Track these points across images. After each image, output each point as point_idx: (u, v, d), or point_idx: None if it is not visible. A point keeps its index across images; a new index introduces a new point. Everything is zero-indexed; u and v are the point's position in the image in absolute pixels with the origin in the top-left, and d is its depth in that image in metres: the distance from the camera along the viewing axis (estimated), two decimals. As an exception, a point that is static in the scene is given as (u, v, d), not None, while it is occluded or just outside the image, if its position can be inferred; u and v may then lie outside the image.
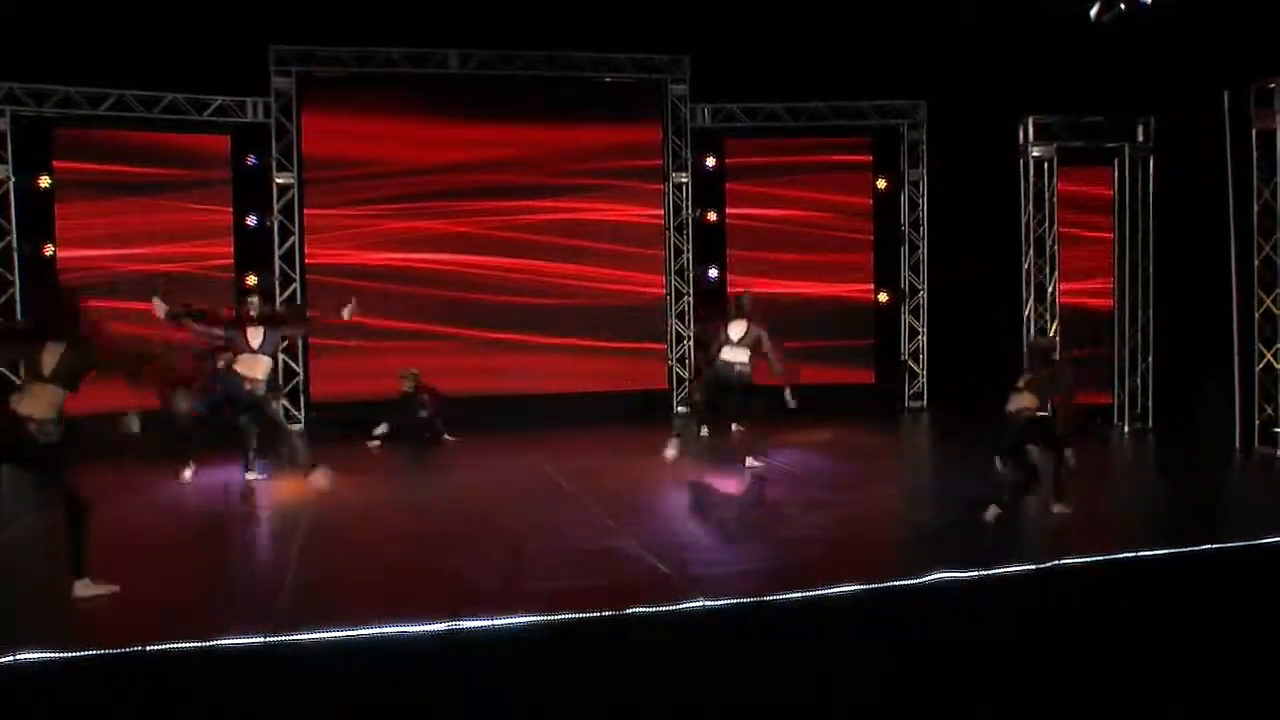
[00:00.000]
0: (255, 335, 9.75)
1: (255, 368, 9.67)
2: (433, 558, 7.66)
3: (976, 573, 6.79)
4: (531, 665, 5.67)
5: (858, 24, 14.36)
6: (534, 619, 5.88)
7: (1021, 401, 8.39)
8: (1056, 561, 7.05)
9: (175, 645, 5.56)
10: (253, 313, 9.83)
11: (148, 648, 5.53)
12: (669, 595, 6.34)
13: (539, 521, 8.60)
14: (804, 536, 8.04)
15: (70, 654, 5.48)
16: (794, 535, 8.10)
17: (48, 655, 5.44)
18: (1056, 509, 8.42)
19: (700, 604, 6.19)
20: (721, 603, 6.24)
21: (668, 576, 6.84)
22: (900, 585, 6.62)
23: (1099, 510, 8.91)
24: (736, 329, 10.60)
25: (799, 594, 6.35)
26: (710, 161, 15.70)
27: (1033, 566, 6.99)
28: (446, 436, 13.20)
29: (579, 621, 5.92)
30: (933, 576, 6.68)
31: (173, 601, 6.56)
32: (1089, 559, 7.15)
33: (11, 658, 5.40)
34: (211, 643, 5.58)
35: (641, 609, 6.07)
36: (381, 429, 12.95)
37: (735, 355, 10.55)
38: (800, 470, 11.07)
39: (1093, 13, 12.21)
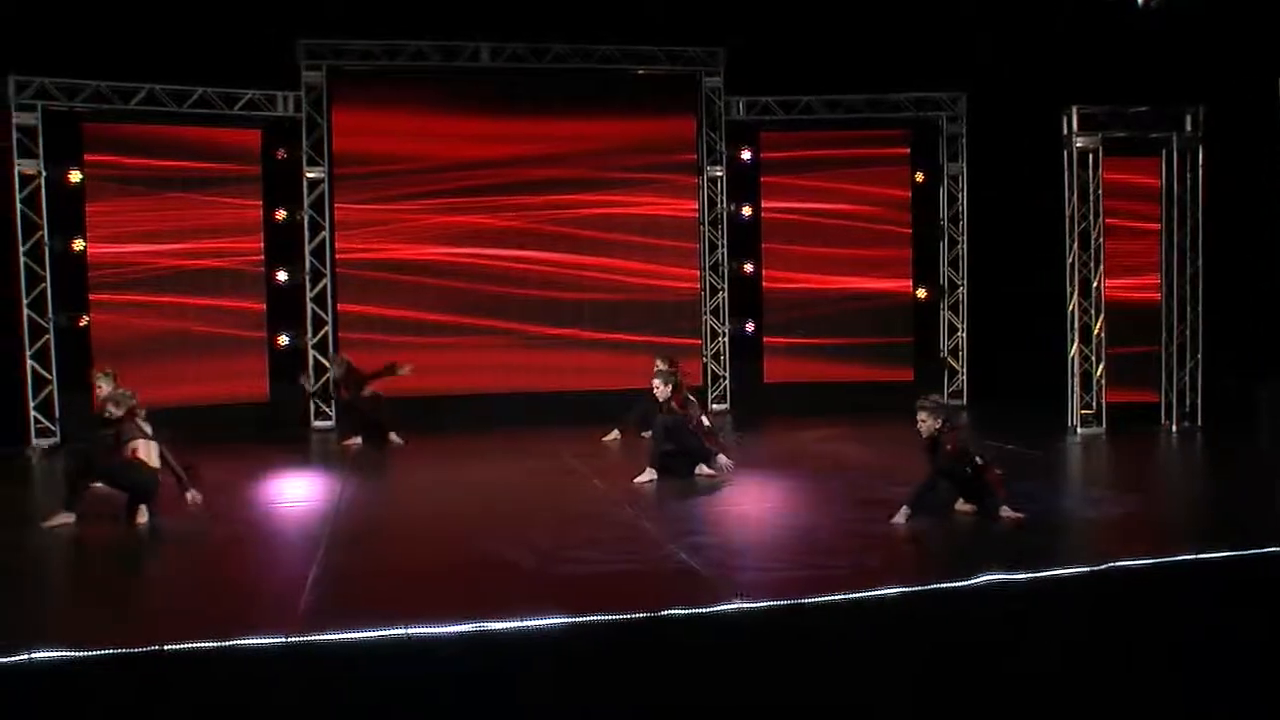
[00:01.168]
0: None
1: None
2: (461, 557, 7.46)
3: (1025, 575, 6.50)
4: (563, 668, 5.44)
5: (895, 15, 14.11)
6: (565, 620, 5.64)
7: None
8: (1110, 564, 6.74)
9: (194, 645, 5.36)
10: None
11: (166, 647, 5.34)
12: (705, 597, 6.09)
13: (571, 521, 8.38)
14: (843, 536, 7.74)
15: (86, 653, 5.29)
16: (833, 536, 7.81)
17: (63, 654, 5.26)
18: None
19: (737, 606, 5.93)
20: (759, 605, 5.97)
21: (704, 577, 6.58)
22: (945, 588, 6.33)
23: (1152, 511, 8.57)
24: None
25: (840, 596, 6.08)
26: (745, 155, 15.41)
27: (1085, 569, 6.68)
28: (394, 437, 12.89)
29: (612, 623, 5.68)
30: (980, 579, 6.39)
31: (191, 600, 6.38)
32: (1142, 561, 6.84)
33: (26, 656, 5.23)
34: (231, 643, 5.38)
35: (677, 610, 5.82)
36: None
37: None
38: (834, 470, 10.73)
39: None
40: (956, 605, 6.25)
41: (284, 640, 5.42)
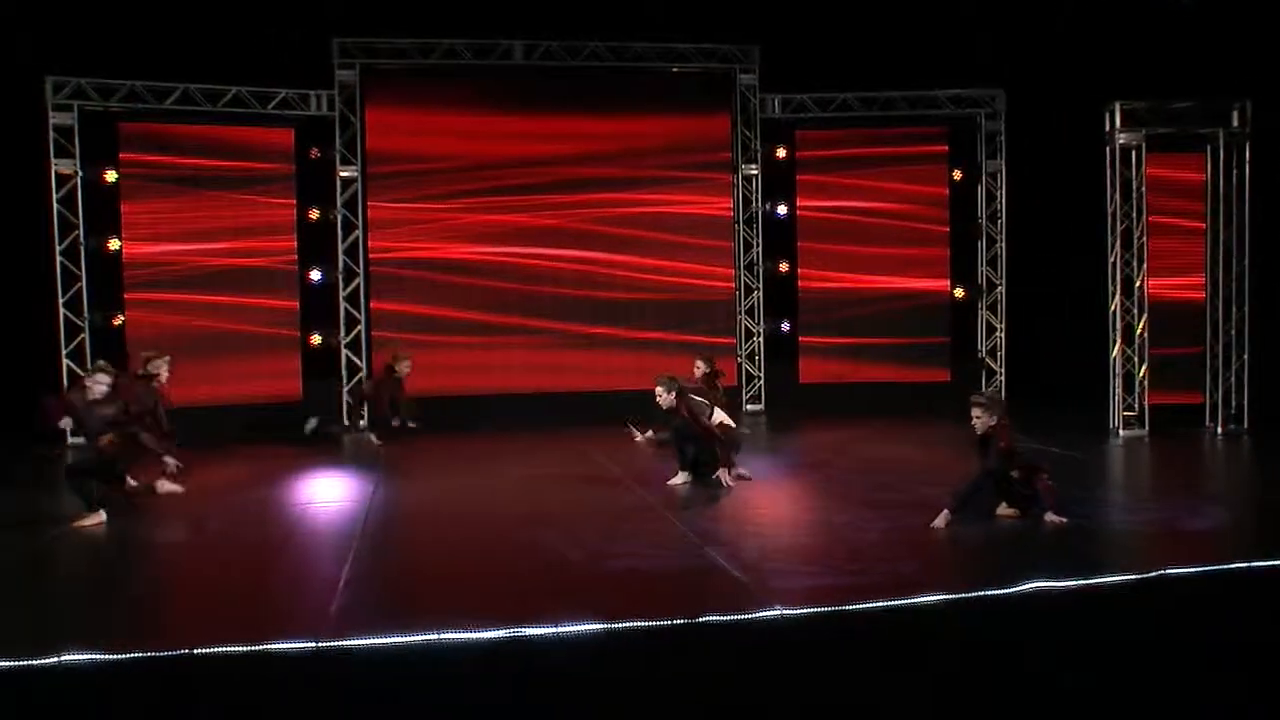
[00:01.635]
0: None
1: None
2: (494, 560, 7.36)
3: (1074, 582, 6.32)
4: (597, 675, 5.31)
5: (932, 11, 13.91)
6: (601, 626, 5.52)
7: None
8: (1159, 572, 6.54)
9: (223, 649, 5.28)
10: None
11: (195, 651, 5.26)
12: (744, 602, 5.95)
13: (606, 524, 8.27)
14: (885, 542, 7.57)
15: (115, 656, 5.22)
16: (874, 540, 7.64)
17: (94, 656, 5.19)
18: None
19: (778, 612, 5.79)
20: (800, 611, 5.82)
21: (742, 582, 6.43)
22: (992, 595, 6.15)
23: (1200, 518, 8.33)
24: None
25: (884, 603, 5.92)
26: (781, 153, 15.24)
27: (1134, 576, 6.49)
28: (373, 438, 12.91)
29: (649, 629, 5.55)
30: (1027, 586, 6.21)
31: (221, 603, 6.31)
32: (1192, 569, 6.63)
33: (56, 659, 5.17)
34: (261, 647, 5.29)
35: (715, 617, 5.68)
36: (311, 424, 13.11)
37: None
38: (872, 471, 10.55)
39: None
40: (1000, 614, 6.07)
41: (315, 645, 5.33)
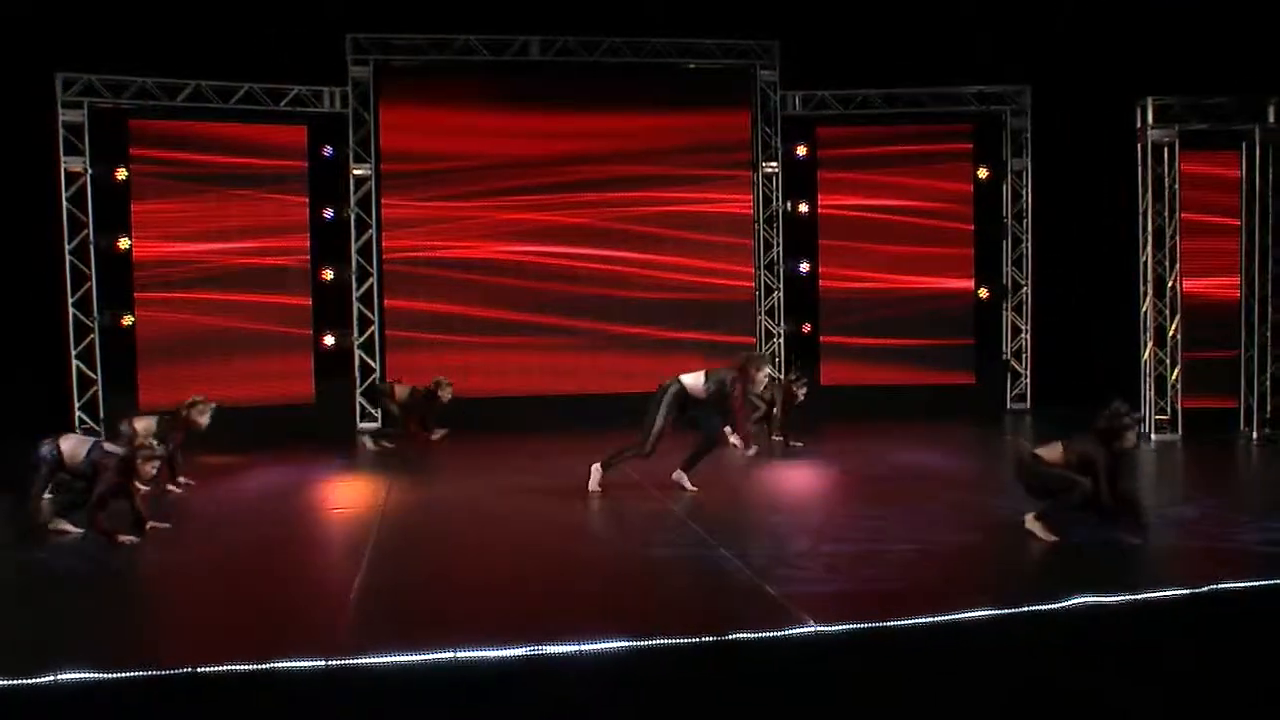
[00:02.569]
0: None
1: None
2: (513, 573, 7.00)
3: (1122, 597, 5.98)
4: (624, 695, 5.00)
5: (956, 6, 13.57)
6: (627, 644, 5.20)
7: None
8: (1211, 586, 6.19)
9: (228, 667, 4.98)
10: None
11: (198, 669, 4.96)
12: (777, 618, 5.62)
13: (628, 534, 7.96)
14: (917, 553, 7.24)
15: (114, 674, 4.93)
16: (910, 551, 7.30)
17: (90, 675, 4.90)
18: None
19: (811, 629, 5.47)
20: (836, 628, 5.50)
21: (772, 596, 6.11)
22: (1038, 610, 5.81)
23: (1248, 527, 7.96)
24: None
25: (925, 619, 5.58)
26: (801, 150, 14.90)
27: (1185, 591, 6.14)
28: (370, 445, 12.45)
29: (677, 647, 5.23)
30: (1074, 600, 5.88)
31: (226, 619, 6.00)
32: (1244, 584, 6.29)
33: (51, 678, 4.88)
34: (268, 665, 4.99)
35: (745, 634, 5.36)
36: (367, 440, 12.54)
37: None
38: (901, 477, 10.21)
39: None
40: (1047, 629, 5.74)
41: (325, 663, 5.02)
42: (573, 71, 14.36)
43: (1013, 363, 15.14)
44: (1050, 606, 5.84)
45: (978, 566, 7.06)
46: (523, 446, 12.39)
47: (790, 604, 5.86)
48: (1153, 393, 12.42)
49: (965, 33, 13.93)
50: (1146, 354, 12.48)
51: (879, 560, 7.01)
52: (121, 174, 13.38)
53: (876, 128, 14.84)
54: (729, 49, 14.62)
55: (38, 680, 4.84)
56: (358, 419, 14.07)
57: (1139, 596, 6.03)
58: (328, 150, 14.04)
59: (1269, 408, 12.56)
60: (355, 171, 14.06)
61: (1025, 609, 5.81)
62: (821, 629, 5.46)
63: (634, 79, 14.48)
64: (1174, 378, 12.40)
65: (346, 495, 10.21)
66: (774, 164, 14.81)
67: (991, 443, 13.01)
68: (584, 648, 5.14)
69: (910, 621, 5.57)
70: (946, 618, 5.63)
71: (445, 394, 12.46)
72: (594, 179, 14.50)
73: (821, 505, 9.40)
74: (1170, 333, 12.42)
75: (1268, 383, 12.57)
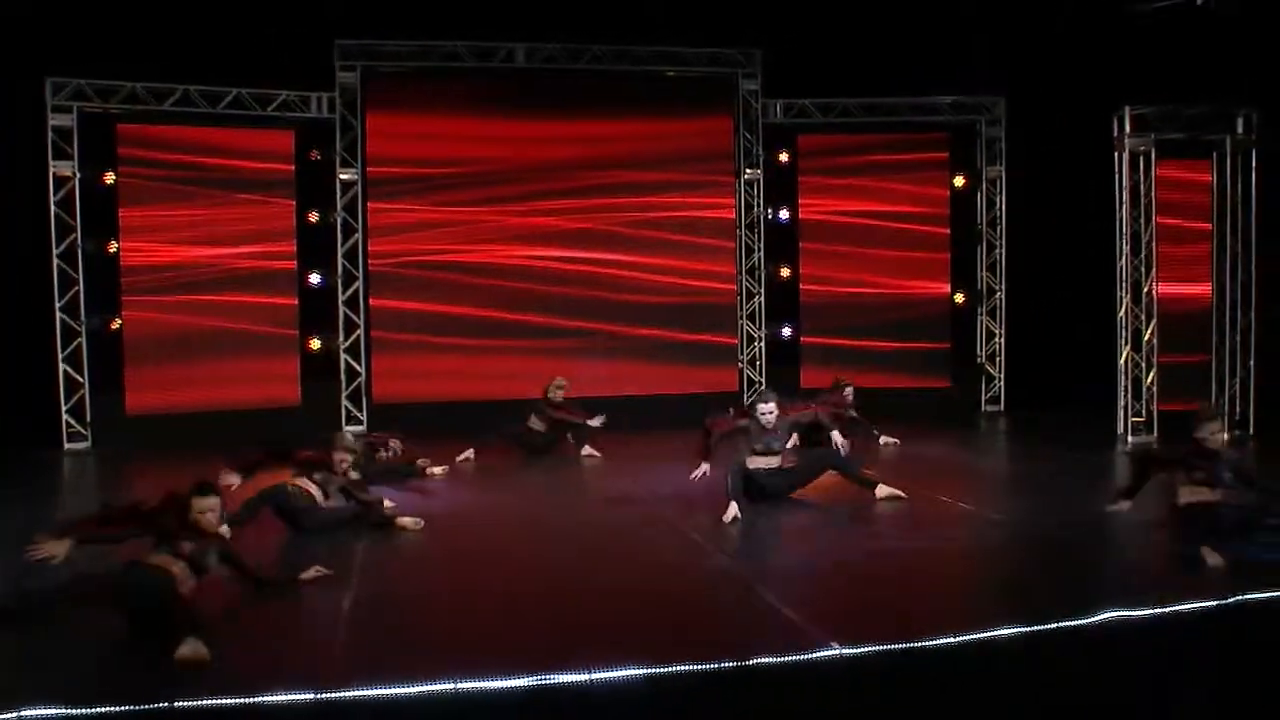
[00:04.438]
0: None
1: None
2: (516, 596, 6.15)
3: (1150, 611, 5.38)
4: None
5: (933, 18, 13.02)
6: (641, 671, 4.53)
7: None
8: (1240, 597, 5.60)
9: (209, 701, 4.28)
10: None
11: (176, 704, 4.26)
12: (797, 639, 4.97)
13: (633, 551, 7.19)
14: (943, 570, 6.55)
15: (84, 710, 4.21)
16: (930, 568, 6.62)
17: (59, 711, 4.19)
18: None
19: (836, 652, 4.82)
20: (859, 650, 4.85)
21: (788, 615, 5.44)
22: (1067, 626, 5.19)
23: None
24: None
25: (951, 639, 4.95)
26: (783, 157, 14.27)
27: (1213, 603, 5.55)
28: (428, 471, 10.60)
29: (695, 674, 4.57)
30: (1102, 616, 5.27)
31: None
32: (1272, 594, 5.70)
33: (15, 714, 4.16)
34: (253, 699, 4.29)
35: (767, 659, 4.70)
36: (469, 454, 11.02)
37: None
38: (917, 486, 9.48)
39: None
40: (1078, 646, 5.13)
41: (314, 696, 4.32)
42: (558, 79, 13.66)
43: (986, 366, 14.57)
44: (1080, 622, 5.23)
45: (992, 583, 6.42)
46: (511, 453, 11.57)
47: (810, 624, 5.21)
48: (1129, 396, 11.88)
49: (942, 45, 13.38)
50: (1124, 358, 11.94)
51: (894, 574, 6.37)
52: (110, 178, 12.61)
53: (855, 136, 14.24)
54: (712, 58, 13.98)
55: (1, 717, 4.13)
56: (343, 422, 13.29)
57: (1169, 610, 5.43)
58: (316, 155, 13.26)
59: (1238, 410, 12.05)
60: (342, 176, 13.31)
61: (1055, 625, 5.19)
62: (847, 651, 4.82)
63: (619, 86, 13.80)
64: (1150, 381, 11.86)
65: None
66: (756, 171, 14.17)
67: (966, 447, 12.40)
68: (595, 676, 4.47)
69: (939, 642, 4.94)
70: (976, 636, 5.01)
71: (556, 393, 11.45)
72: (579, 185, 13.80)
73: (826, 516, 8.34)
74: (1146, 337, 11.88)
75: (1237, 386, 12.07)
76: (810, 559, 7.04)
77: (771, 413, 8.25)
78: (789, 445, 8.80)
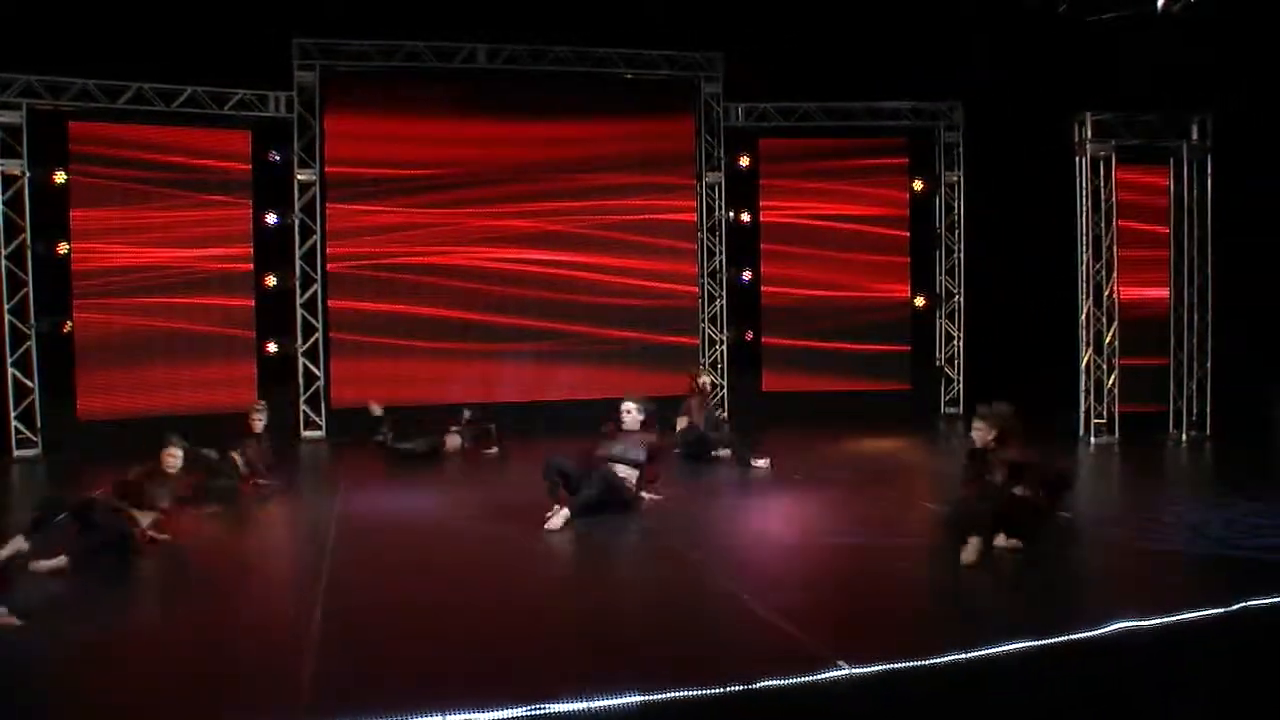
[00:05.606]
0: None
1: None
2: (498, 618, 5.53)
3: (1159, 620, 5.03)
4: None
5: (893, 24, 12.71)
6: (638, 699, 4.07)
7: None
8: (1243, 604, 5.29)
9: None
10: None
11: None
12: (800, 660, 4.54)
13: (615, 567, 6.73)
14: (949, 584, 6.15)
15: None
16: (937, 582, 6.24)
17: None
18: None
19: (843, 672, 4.40)
20: (866, 670, 4.44)
21: (789, 633, 5.00)
22: (1077, 639, 4.83)
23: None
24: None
25: (960, 655, 4.56)
26: (744, 161, 13.88)
27: (1219, 610, 5.22)
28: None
29: (695, 700, 4.12)
30: (1113, 626, 4.91)
31: (166, 680, 4.67)
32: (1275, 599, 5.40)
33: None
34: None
35: (772, 681, 4.27)
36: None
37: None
38: (873, 493, 9.12)
39: (1160, 3, 10.51)
40: (1088, 659, 4.76)
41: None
42: (520, 79, 13.14)
43: (945, 369, 14.30)
44: (1089, 634, 4.86)
45: (994, 596, 6.01)
46: (473, 462, 10.99)
47: (812, 643, 4.78)
48: (1092, 398, 11.64)
49: (903, 51, 13.08)
50: (1085, 360, 11.70)
51: (893, 590, 5.96)
52: (60, 177, 11.87)
53: (816, 140, 13.87)
54: (674, 60, 13.56)
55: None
56: (301, 427, 12.68)
57: (1178, 619, 5.09)
58: (275, 156, 12.64)
59: (1194, 410, 11.88)
60: (300, 177, 12.69)
61: (1062, 639, 4.83)
62: (855, 671, 4.40)
63: (581, 88, 13.30)
64: (1111, 383, 11.63)
65: (294, 521, 8.63)
66: (717, 174, 13.78)
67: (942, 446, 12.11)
68: (590, 705, 4.00)
69: (948, 659, 4.54)
70: (984, 653, 4.62)
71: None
72: (540, 187, 13.28)
73: (817, 525, 7.93)
74: (1107, 339, 11.65)
75: (1194, 387, 11.89)
76: (784, 564, 6.63)
77: (629, 412, 8.07)
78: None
